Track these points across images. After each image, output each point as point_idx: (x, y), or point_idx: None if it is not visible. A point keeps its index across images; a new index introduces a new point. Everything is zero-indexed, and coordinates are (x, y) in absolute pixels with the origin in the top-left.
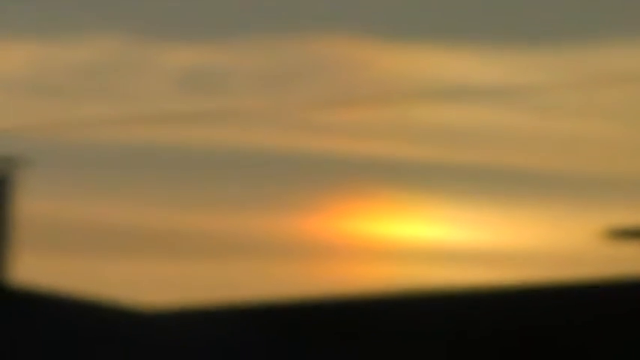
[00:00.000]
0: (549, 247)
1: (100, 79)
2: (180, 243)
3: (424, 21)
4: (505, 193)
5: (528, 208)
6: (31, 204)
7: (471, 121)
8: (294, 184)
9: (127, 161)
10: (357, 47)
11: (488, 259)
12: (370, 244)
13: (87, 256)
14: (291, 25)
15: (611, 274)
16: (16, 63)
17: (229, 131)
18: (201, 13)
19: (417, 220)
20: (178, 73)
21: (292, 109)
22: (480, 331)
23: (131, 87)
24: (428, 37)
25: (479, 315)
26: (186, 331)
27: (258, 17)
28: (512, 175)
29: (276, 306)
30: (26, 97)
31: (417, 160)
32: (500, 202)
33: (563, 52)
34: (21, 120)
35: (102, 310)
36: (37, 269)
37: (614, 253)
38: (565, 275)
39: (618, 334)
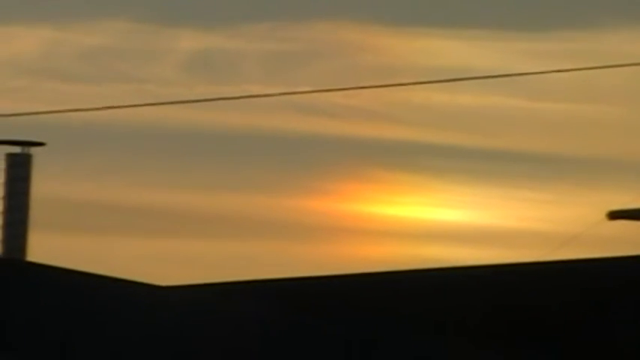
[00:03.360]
0: (549, 228)
1: (111, 63)
2: (189, 223)
3: (426, 8)
4: (505, 175)
5: (528, 190)
6: (46, 184)
7: (472, 105)
8: (301, 166)
9: (139, 143)
10: (361, 33)
11: (487, 238)
12: (374, 225)
13: (99, 234)
14: (298, 11)
15: (610, 253)
16: (29, 48)
17: (237, 115)
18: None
19: (419, 202)
20: (188, 58)
21: (298, 93)
22: (480, 307)
23: (141, 71)
24: (429, 24)
25: (479, 292)
26: (196, 308)
27: (266, 3)
28: (512, 157)
29: (283, 284)
30: (39, 81)
31: (420, 143)
32: (501, 184)
33: (560, 37)
34: (35, 103)
35: (115, 286)
36: (53, 246)
37: (612, 234)
38: (564, 255)
39: (616, 309)
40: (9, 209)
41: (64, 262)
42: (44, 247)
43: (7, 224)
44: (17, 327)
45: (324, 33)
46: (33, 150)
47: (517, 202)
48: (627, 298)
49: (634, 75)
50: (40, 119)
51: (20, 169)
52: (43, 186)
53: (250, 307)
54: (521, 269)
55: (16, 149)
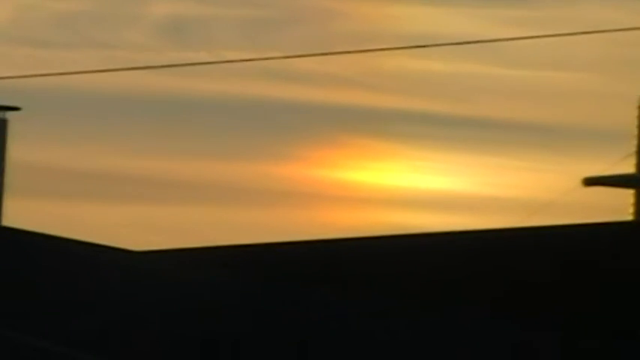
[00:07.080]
0: (522, 194)
1: (84, 28)
2: (162, 189)
3: None
4: (481, 142)
5: (505, 157)
6: (20, 150)
7: (447, 72)
8: (272, 132)
9: (111, 109)
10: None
11: (460, 205)
12: (346, 191)
13: (71, 199)
14: None
15: (585, 220)
16: (2, 13)
17: (209, 81)
18: None
19: (392, 168)
20: (161, 24)
21: (271, 59)
22: (456, 274)
23: (114, 37)
24: None
25: (455, 259)
26: (169, 274)
27: None
28: (484, 124)
29: (252, 250)
30: (10, 46)
31: (392, 110)
32: (477, 151)
33: (534, 3)
34: (6, 68)
35: (88, 251)
36: (28, 212)
37: (587, 200)
38: (538, 221)
39: (591, 277)
40: None
41: (38, 227)
42: (19, 213)
43: None
44: None
45: None
46: (9, 114)
47: (490, 168)
48: (602, 265)
49: (608, 42)
50: (15, 83)
51: None
52: (18, 151)
53: (218, 273)
54: (494, 235)
55: None
